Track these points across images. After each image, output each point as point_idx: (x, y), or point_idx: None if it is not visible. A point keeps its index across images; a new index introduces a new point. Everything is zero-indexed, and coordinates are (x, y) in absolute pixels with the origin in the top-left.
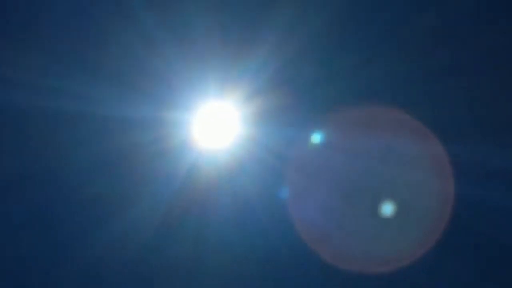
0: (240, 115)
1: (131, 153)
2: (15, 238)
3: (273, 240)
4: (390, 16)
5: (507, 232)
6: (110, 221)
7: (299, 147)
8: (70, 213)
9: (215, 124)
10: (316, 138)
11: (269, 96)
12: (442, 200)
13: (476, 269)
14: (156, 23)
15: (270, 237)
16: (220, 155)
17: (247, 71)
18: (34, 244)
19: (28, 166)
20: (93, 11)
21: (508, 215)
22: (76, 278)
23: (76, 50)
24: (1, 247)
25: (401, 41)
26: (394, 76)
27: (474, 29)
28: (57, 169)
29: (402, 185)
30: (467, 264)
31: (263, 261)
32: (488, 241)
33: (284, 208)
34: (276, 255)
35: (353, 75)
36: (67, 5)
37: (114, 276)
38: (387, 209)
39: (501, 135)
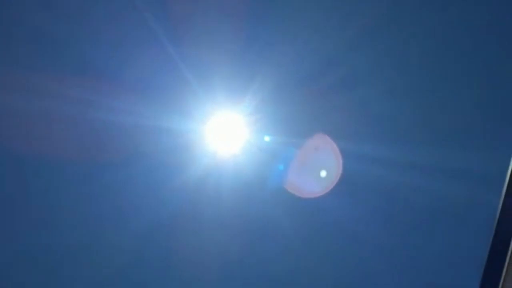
0: (247, 123)
1: (140, 160)
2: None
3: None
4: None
5: None
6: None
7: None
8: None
9: (223, 133)
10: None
11: (276, 104)
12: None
13: None
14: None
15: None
16: (228, 163)
17: (255, 79)
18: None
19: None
20: (107, 19)
21: None
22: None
23: (90, 59)
24: None
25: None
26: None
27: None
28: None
29: None
30: None
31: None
32: None
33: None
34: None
35: (358, 84)
36: (90, 16)
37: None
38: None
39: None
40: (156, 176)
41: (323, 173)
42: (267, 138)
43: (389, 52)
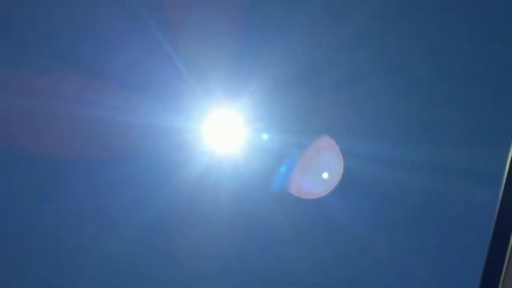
0: (246, 122)
1: (138, 159)
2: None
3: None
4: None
5: None
6: (120, 223)
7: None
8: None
9: (222, 131)
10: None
11: (274, 103)
12: None
13: None
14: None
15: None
16: (226, 161)
17: (253, 78)
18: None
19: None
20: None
21: None
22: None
23: (87, 58)
24: None
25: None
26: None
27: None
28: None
29: None
30: None
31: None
32: None
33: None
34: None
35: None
36: (86, 17)
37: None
38: None
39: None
40: (155, 174)
41: (325, 175)
42: (265, 137)
43: (386, 51)
